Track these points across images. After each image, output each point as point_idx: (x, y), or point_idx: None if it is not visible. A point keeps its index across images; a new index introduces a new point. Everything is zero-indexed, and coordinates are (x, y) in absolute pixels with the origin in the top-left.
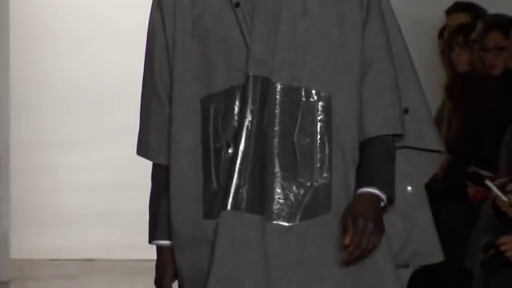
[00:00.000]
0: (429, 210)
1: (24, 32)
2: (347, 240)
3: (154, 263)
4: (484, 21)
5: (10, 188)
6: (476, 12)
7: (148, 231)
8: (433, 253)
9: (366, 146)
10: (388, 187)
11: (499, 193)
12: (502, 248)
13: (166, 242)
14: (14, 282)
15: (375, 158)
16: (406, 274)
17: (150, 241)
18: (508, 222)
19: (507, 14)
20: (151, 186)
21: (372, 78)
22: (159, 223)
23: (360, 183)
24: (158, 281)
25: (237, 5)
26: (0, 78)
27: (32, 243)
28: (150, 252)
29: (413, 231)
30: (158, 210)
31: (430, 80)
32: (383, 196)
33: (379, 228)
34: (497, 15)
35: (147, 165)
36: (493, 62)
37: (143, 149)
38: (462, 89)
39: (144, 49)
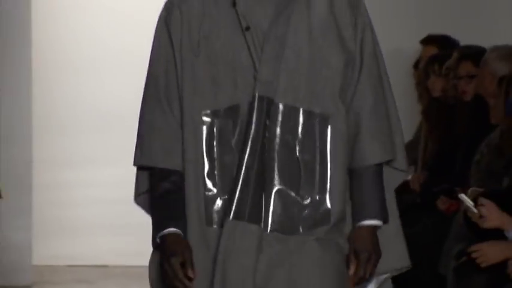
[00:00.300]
0: (397, 222)
1: (46, 60)
2: (351, 272)
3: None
4: (458, 51)
5: (32, 201)
6: (448, 43)
7: (153, 230)
8: (400, 260)
9: (361, 171)
10: (384, 213)
11: (470, 205)
12: (473, 255)
13: (175, 229)
14: (35, 286)
15: (372, 186)
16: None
17: (156, 235)
18: (478, 232)
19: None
20: (155, 190)
21: (369, 107)
22: (168, 215)
23: (360, 214)
24: (169, 258)
25: (247, 28)
26: (23, 102)
27: (51, 250)
28: None
29: (382, 241)
30: (166, 206)
31: (405, 107)
32: (379, 223)
33: (378, 256)
34: (469, 47)
35: None
36: (465, 89)
37: (146, 156)
38: (437, 113)
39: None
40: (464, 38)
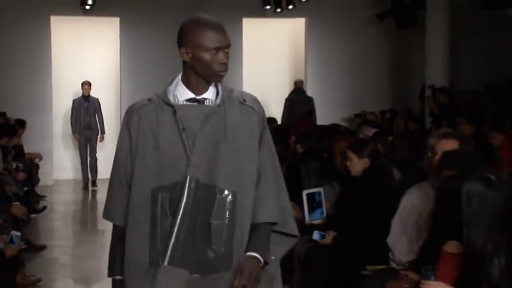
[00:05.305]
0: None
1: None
2: (236, 283)
3: None
4: None
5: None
6: None
7: (108, 268)
8: None
9: (255, 226)
10: (265, 254)
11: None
12: None
13: (120, 277)
14: (55, 185)
15: (260, 235)
16: None
17: (109, 275)
18: None
19: None
20: (111, 238)
21: (263, 184)
22: (116, 263)
23: (248, 250)
24: None
25: (183, 129)
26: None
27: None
28: None
29: (273, 282)
30: (115, 255)
31: None
32: (261, 259)
33: (257, 277)
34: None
35: None
36: None
37: (109, 215)
38: None
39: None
40: None
